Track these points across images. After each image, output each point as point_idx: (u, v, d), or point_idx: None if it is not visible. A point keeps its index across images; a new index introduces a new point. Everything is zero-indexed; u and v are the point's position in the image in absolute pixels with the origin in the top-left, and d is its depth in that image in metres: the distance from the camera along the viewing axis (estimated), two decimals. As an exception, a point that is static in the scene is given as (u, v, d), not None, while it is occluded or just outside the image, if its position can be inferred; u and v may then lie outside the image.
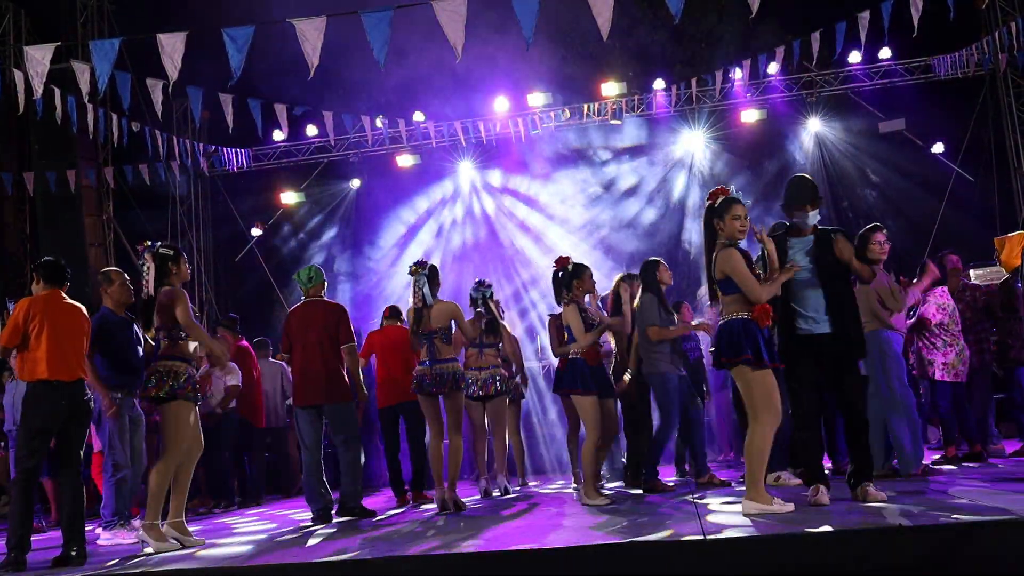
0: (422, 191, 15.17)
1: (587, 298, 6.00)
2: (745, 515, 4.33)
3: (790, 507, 4.36)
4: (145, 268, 5.27)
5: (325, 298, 6.58)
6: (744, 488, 4.52)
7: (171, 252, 5.31)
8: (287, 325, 6.49)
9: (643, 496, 6.08)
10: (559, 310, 6.12)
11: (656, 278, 6.57)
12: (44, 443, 4.98)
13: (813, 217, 4.88)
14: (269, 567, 4.13)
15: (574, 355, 5.80)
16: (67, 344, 5.04)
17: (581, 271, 5.94)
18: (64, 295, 5.23)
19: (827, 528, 3.77)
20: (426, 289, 6.13)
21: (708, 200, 4.74)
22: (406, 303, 6.61)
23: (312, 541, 5.04)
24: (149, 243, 5.37)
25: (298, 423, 6.44)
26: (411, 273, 6.22)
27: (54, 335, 4.99)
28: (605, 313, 6.41)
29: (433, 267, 6.30)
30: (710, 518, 4.42)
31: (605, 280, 7.13)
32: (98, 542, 5.69)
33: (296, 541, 5.10)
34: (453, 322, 6.21)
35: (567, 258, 6.03)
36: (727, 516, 4.45)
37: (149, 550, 4.98)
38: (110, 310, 5.93)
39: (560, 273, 5.99)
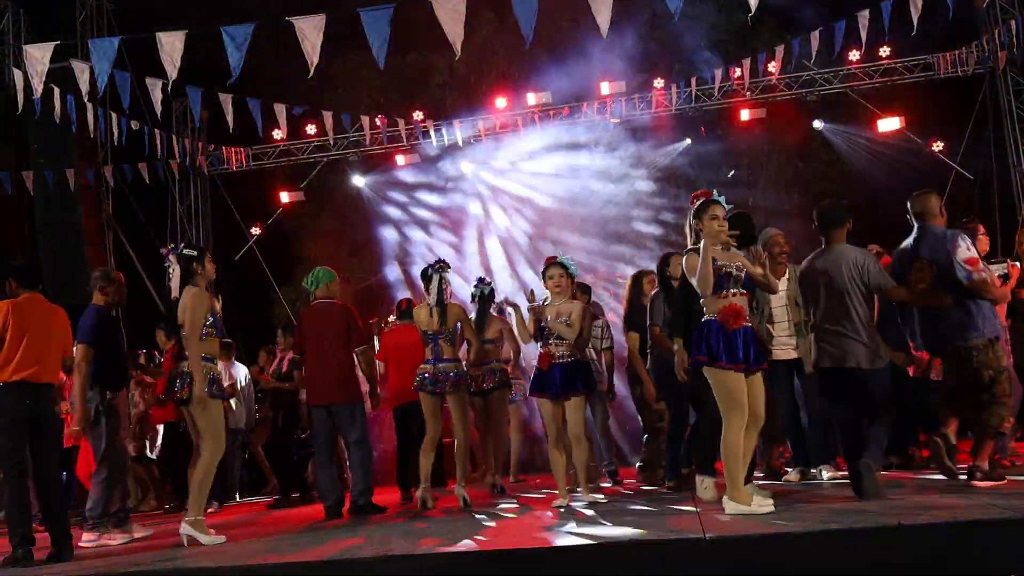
0: (421, 190, 15.16)
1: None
2: (728, 514, 4.36)
3: (770, 505, 4.37)
4: (170, 271, 5.24)
5: (336, 300, 6.62)
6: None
7: (195, 252, 5.29)
8: (299, 325, 6.67)
9: (642, 496, 6.07)
10: (540, 304, 6.06)
11: (668, 273, 6.28)
12: (14, 440, 4.97)
13: None
14: (280, 565, 4.12)
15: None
16: (44, 348, 5.07)
17: (545, 270, 5.80)
18: (43, 298, 5.25)
19: (826, 528, 3.76)
20: (446, 287, 6.18)
21: (691, 203, 4.78)
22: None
23: (322, 539, 5.04)
24: (173, 245, 5.35)
25: (312, 421, 6.65)
26: (432, 272, 6.24)
27: (32, 339, 5.01)
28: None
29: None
30: (710, 518, 4.42)
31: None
32: (80, 543, 5.49)
33: (306, 538, 5.10)
34: (458, 324, 6.25)
35: (554, 258, 6.00)
36: (727, 516, 4.44)
37: (201, 542, 5.02)
38: (104, 308, 5.83)
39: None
